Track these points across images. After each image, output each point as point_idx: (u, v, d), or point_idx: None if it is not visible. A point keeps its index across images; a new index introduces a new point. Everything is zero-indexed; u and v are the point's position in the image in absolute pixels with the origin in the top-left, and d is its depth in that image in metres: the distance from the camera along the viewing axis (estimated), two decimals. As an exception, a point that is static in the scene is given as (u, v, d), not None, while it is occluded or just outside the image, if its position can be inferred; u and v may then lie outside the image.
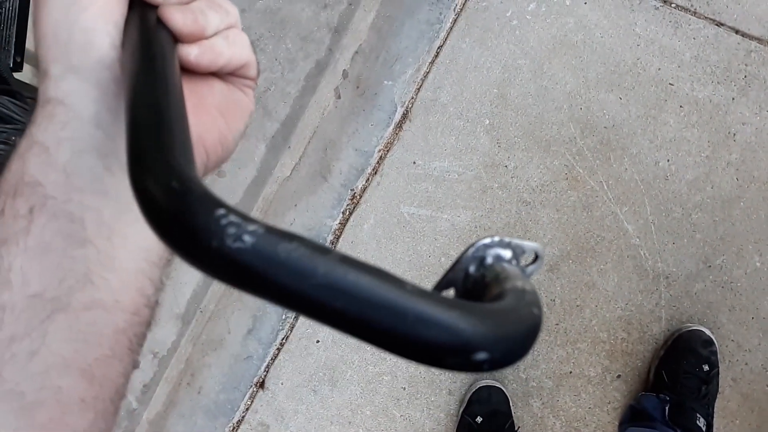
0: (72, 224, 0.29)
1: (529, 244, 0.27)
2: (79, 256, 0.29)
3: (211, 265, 0.19)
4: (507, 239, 0.27)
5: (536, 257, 0.28)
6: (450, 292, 0.28)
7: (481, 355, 0.18)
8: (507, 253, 0.27)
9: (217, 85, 0.34)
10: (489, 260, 0.27)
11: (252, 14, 1.71)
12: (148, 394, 1.63)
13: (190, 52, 0.30)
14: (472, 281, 0.27)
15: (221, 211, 0.18)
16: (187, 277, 1.60)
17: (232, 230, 0.18)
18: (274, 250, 0.18)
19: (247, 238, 0.18)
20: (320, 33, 1.63)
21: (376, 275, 0.18)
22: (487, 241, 0.27)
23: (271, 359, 1.50)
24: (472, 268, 0.27)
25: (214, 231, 0.18)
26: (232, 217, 0.18)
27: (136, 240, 0.31)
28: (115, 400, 0.32)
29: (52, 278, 0.28)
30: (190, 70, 0.31)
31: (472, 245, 0.27)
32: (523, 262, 0.27)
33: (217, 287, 1.58)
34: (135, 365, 0.33)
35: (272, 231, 0.18)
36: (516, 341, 0.19)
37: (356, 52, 1.60)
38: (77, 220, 0.29)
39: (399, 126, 1.52)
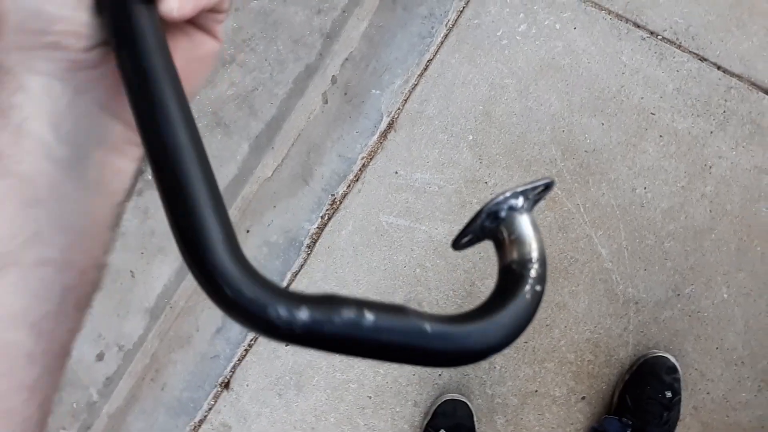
0: (23, 184, 0.29)
1: (539, 182, 0.30)
2: (30, 215, 0.29)
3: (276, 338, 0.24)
4: (519, 188, 0.29)
5: (546, 187, 0.30)
6: (467, 239, 0.32)
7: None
8: (519, 201, 0.29)
9: (180, 44, 0.34)
10: (503, 214, 0.29)
11: (245, 14, 1.71)
12: (110, 387, 1.60)
13: (172, 8, 0.29)
14: (488, 231, 0.30)
15: (272, 311, 0.23)
16: (159, 270, 1.58)
17: (283, 322, 0.23)
18: (321, 330, 0.23)
19: (297, 329, 0.23)
20: (312, 37, 1.64)
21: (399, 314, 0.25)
22: (500, 198, 0.29)
23: (238, 360, 1.49)
24: (487, 222, 0.30)
25: (271, 325, 0.23)
26: (282, 311, 0.23)
27: (85, 204, 0.32)
28: (62, 357, 0.33)
29: (3, 234, 0.29)
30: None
31: (487, 204, 0.29)
32: (533, 197, 0.30)
33: (189, 283, 1.56)
34: (80, 327, 0.34)
35: (315, 315, 0.23)
36: (516, 334, 0.26)
37: (346, 59, 1.61)
38: (29, 180, 0.29)
39: (384, 135, 1.53)
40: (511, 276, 0.28)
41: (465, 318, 0.27)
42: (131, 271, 1.63)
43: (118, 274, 1.64)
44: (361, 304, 0.24)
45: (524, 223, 0.29)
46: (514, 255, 0.29)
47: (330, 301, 0.24)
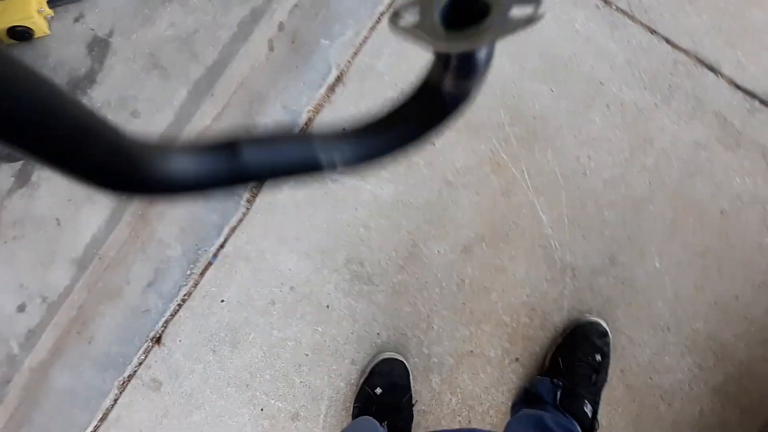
0: None
1: None
2: None
3: None
4: None
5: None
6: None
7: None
8: None
9: None
10: None
11: (188, -52, 1.59)
12: (32, 340, 1.52)
13: None
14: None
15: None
16: (88, 219, 1.49)
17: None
18: None
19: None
20: (260, -21, 1.55)
21: None
22: None
23: (171, 315, 1.44)
24: None
25: None
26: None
27: None
28: None
29: None
30: None
31: None
32: None
33: (119, 233, 1.49)
34: None
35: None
36: None
37: (295, 6, 1.53)
38: None
39: (332, 88, 1.47)
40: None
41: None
42: (57, 219, 1.53)
43: (42, 222, 1.54)
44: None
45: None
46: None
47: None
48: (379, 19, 1.46)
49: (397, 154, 0.35)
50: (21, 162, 1.57)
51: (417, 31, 0.31)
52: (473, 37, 0.29)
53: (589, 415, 1.17)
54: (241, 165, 0.32)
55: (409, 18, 0.32)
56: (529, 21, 0.28)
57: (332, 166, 0.34)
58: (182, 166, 0.30)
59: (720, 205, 1.31)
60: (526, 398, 1.26)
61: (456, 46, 0.30)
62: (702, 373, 1.27)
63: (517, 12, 0.28)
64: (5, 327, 1.54)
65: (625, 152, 1.36)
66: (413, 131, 0.35)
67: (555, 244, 1.35)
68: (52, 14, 1.56)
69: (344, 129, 0.36)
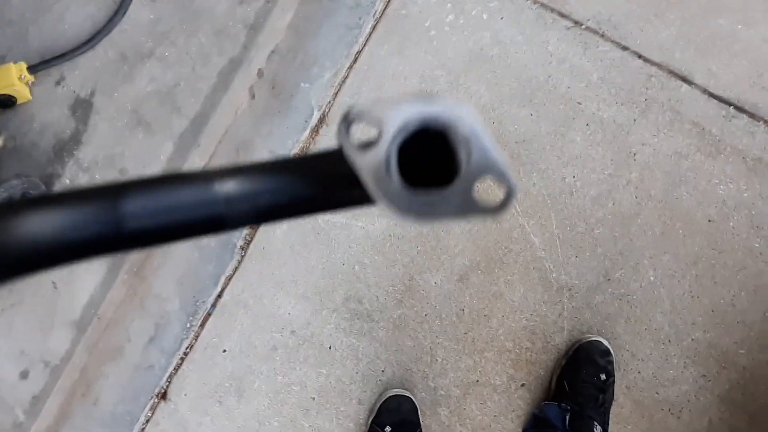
0: None
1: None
2: None
3: None
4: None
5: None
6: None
7: None
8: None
9: None
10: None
11: (163, 4, 1.62)
12: (37, 406, 1.52)
13: None
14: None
15: None
16: (83, 282, 1.50)
17: None
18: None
19: None
20: (235, 29, 1.57)
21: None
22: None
23: (174, 369, 1.44)
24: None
25: None
26: None
27: None
28: None
29: None
30: None
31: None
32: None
33: (116, 292, 1.49)
34: None
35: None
36: None
37: (273, 52, 1.55)
38: None
39: (315, 130, 1.49)
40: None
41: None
42: (53, 282, 1.54)
43: (39, 286, 1.54)
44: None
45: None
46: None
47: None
48: (356, 58, 1.49)
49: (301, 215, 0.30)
50: (13, 229, 1.57)
51: (363, 159, 0.27)
52: (427, 206, 0.26)
53: (599, 436, 1.18)
54: (123, 225, 0.26)
55: (359, 136, 0.27)
56: (495, 211, 0.25)
57: (239, 223, 0.29)
58: (41, 228, 0.24)
59: (707, 213, 1.33)
60: (535, 424, 1.26)
61: (400, 205, 0.26)
62: (707, 383, 1.27)
63: (483, 190, 0.25)
64: (9, 395, 1.53)
65: (609, 168, 1.38)
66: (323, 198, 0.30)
67: (549, 266, 1.36)
68: (33, 80, 1.58)
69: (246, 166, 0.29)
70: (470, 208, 0.26)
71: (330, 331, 1.40)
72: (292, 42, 1.55)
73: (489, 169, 0.26)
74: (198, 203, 0.27)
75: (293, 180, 0.28)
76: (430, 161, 0.27)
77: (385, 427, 1.29)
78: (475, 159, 0.26)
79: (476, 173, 0.26)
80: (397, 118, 0.26)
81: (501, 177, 0.26)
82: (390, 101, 0.27)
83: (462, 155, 0.26)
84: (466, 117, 0.26)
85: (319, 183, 0.29)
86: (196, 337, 1.44)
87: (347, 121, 0.27)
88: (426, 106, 0.26)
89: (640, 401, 1.29)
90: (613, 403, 1.27)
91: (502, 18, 1.45)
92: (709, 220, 1.32)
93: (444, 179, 0.26)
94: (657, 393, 1.28)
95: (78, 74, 1.62)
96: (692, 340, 1.29)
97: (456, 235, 1.39)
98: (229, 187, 0.28)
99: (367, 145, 0.27)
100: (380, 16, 1.49)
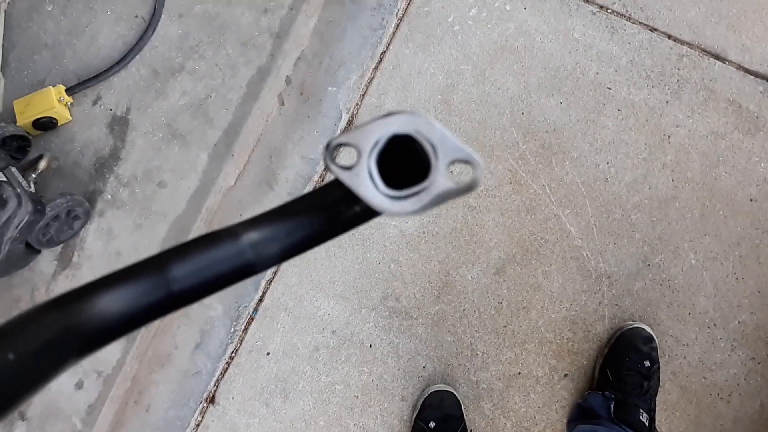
0: None
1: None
2: None
3: None
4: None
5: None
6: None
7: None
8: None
9: None
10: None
11: (190, 19, 1.66)
12: (93, 415, 1.57)
13: None
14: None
15: None
16: (130, 292, 1.55)
17: None
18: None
19: None
20: (261, 38, 1.60)
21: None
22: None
23: (221, 374, 1.48)
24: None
25: None
26: None
27: None
28: None
29: None
30: None
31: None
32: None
33: (162, 302, 1.53)
34: None
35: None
36: None
37: (299, 58, 1.58)
38: None
39: (345, 132, 1.51)
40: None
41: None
42: (101, 295, 1.59)
43: (87, 299, 1.60)
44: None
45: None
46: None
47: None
48: (380, 59, 1.50)
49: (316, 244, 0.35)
50: (61, 245, 1.64)
51: (351, 178, 0.31)
52: (409, 201, 0.30)
53: (646, 423, 1.16)
54: (173, 287, 0.31)
55: (344, 158, 0.33)
56: (469, 187, 0.30)
57: (267, 265, 0.33)
58: (107, 307, 0.29)
59: (748, 192, 1.30)
60: (580, 414, 1.25)
61: (386, 207, 0.31)
62: (756, 366, 1.24)
63: (456, 173, 0.30)
64: (67, 405, 1.59)
65: (643, 153, 1.35)
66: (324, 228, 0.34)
67: (587, 255, 1.34)
68: (72, 101, 1.64)
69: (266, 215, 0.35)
70: (451, 189, 0.30)
71: (369, 330, 1.41)
72: (318, 47, 1.57)
73: (452, 153, 0.31)
74: (230, 256, 0.32)
75: (303, 217, 0.33)
76: (410, 163, 0.32)
77: (430, 422, 1.30)
78: (439, 150, 0.31)
79: (444, 160, 0.31)
80: (369, 138, 0.31)
81: (464, 156, 0.31)
82: (360, 126, 0.31)
83: (429, 150, 0.31)
84: (421, 121, 0.31)
85: (325, 211, 0.34)
86: (241, 341, 1.48)
87: (330, 151, 0.32)
88: (388, 121, 0.31)
89: (687, 387, 1.27)
90: (660, 389, 1.25)
91: (525, 8, 1.44)
92: (751, 199, 1.29)
93: (425, 174, 0.31)
94: (704, 378, 1.26)
95: (113, 93, 1.67)
96: (738, 322, 1.26)
97: (490, 228, 1.39)
98: (253, 237, 0.32)
99: (352, 166, 0.32)
100: (403, 15, 1.50)
